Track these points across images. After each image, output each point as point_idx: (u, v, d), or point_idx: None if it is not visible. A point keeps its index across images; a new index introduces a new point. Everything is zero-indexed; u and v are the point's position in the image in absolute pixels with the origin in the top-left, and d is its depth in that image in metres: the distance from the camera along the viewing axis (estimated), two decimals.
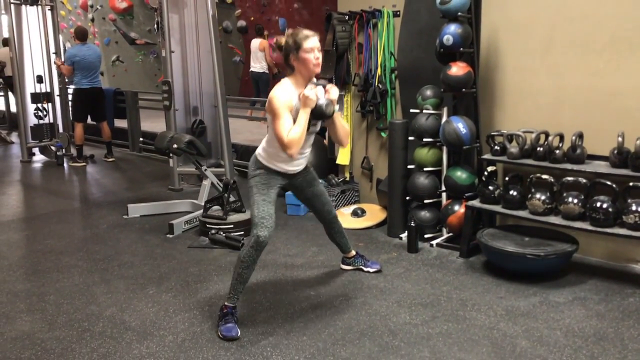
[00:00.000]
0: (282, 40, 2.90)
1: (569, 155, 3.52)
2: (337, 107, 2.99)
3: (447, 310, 3.07)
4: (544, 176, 3.58)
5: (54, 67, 7.76)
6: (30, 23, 7.65)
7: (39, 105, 7.69)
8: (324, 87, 2.93)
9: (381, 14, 4.62)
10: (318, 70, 2.88)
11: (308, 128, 2.88)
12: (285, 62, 2.93)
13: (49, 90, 7.82)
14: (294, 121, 2.83)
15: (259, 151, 3.04)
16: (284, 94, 2.84)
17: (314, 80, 2.96)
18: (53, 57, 7.75)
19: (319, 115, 2.89)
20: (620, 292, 3.26)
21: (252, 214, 2.91)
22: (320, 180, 3.36)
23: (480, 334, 2.81)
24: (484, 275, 3.56)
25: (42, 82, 7.70)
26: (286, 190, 3.94)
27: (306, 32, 2.88)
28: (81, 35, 7.23)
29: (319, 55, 2.87)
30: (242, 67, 11.55)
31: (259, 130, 8.03)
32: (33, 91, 7.68)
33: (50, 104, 7.83)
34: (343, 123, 3.12)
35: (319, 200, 3.32)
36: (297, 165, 3.07)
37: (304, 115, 2.82)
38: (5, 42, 9.44)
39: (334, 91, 2.95)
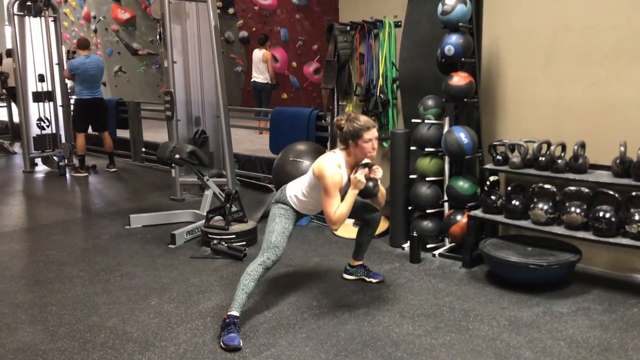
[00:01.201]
0: (343, 123, 3.03)
1: (571, 165, 3.52)
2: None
3: (450, 321, 3.06)
4: (547, 186, 3.58)
5: (56, 70, 7.79)
6: (34, 34, 7.68)
7: (42, 116, 7.72)
8: (370, 167, 3.06)
9: (382, 24, 4.64)
10: (374, 157, 3.05)
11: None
12: (342, 142, 3.08)
13: (50, 89, 7.82)
14: (342, 197, 3.00)
15: (291, 197, 3.15)
16: (337, 173, 2.98)
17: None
18: (56, 61, 7.79)
19: (366, 194, 3.08)
20: (624, 302, 3.25)
21: (269, 237, 3.04)
22: None
23: (484, 345, 2.79)
24: (487, 285, 3.55)
25: (43, 81, 7.69)
26: None
27: (365, 121, 3.01)
28: (83, 45, 7.25)
29: (376, 144, 3.02)
30: (243, 78, 11.59)
31: (260, 140, 8.05)
32: (35, 90, 7.68)
33: (52, 106, 7.81)
34: (383, 191, 3.24)
35: (362, 208, 3.40)
36: None
37: (352, 196, 3.01)
38: (9, 53, 9.49)
39: (379, 172, 3.09)
